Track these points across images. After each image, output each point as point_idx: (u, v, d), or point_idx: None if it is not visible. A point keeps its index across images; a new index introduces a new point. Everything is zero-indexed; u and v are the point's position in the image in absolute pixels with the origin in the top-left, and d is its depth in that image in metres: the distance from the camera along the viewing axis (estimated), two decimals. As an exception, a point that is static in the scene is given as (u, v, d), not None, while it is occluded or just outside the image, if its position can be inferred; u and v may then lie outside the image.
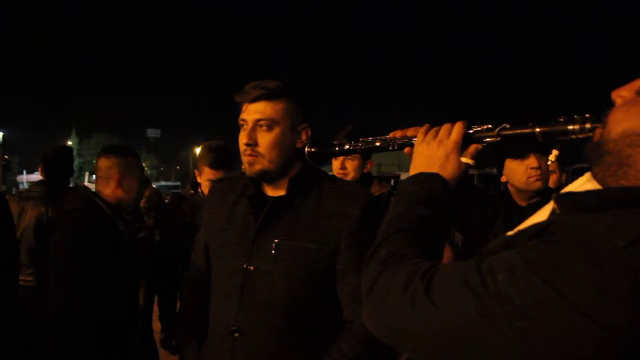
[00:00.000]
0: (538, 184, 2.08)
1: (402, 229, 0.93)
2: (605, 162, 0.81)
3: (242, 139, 1.50)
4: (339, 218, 1.49)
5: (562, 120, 0.92)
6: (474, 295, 0.72)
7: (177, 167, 75.01)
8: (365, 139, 1.21)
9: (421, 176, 1.03)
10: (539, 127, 0.95)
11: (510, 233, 0.86)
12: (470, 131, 1.05)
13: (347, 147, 1.23)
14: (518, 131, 0.99)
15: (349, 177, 2.53)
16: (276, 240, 1.49)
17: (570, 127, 0.90)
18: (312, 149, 1.31)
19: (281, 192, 1.56)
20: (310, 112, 1.57)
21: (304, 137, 1.53)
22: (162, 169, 73.54)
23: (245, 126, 1.50)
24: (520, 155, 2.08)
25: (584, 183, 0.87)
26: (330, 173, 2.13)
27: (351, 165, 2.54)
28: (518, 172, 2.09)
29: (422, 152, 1.06)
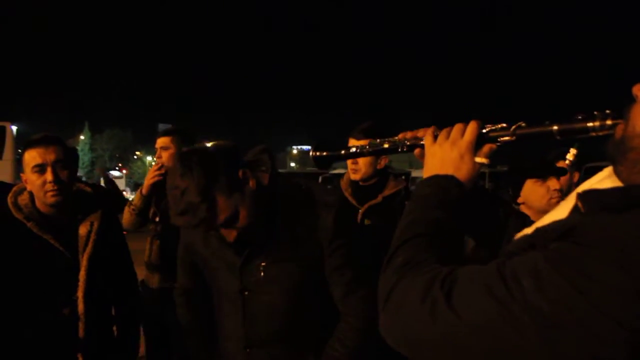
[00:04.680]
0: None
1: (418, 234, 0.89)
2: (630, 160, 0.75)
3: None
4: (316, 230, 1.55)
5: (581, 117, 0.87)
6: (498, 303, 0.68)
7: (188, 162, 75.24)
8: (373, 141, 1.16)
9: (435, 178, 0.98)
10: (557, 125, 0.90)
11: (529, 231, 0.80)
12: (484, 130, 0.99)
13: (353, 150, 1.18)
14: (535, 130, 0.93)
15: (360, 173, 2.49)
16: (263, 264, 1.56)
17: (590, 124, 0.85)
18: (318, 153, 1.24)
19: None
20: (236, 156, 1.49)
21: (251, 182, 1.48)
22: (173, 163, 73.60)
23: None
24: (542, 176, 2.15)
25: (604, 178, 0.82)
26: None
27: (363, 161, 2.48)
28: (539, 192, 2.15)
29: (435, 154, 1.00)
